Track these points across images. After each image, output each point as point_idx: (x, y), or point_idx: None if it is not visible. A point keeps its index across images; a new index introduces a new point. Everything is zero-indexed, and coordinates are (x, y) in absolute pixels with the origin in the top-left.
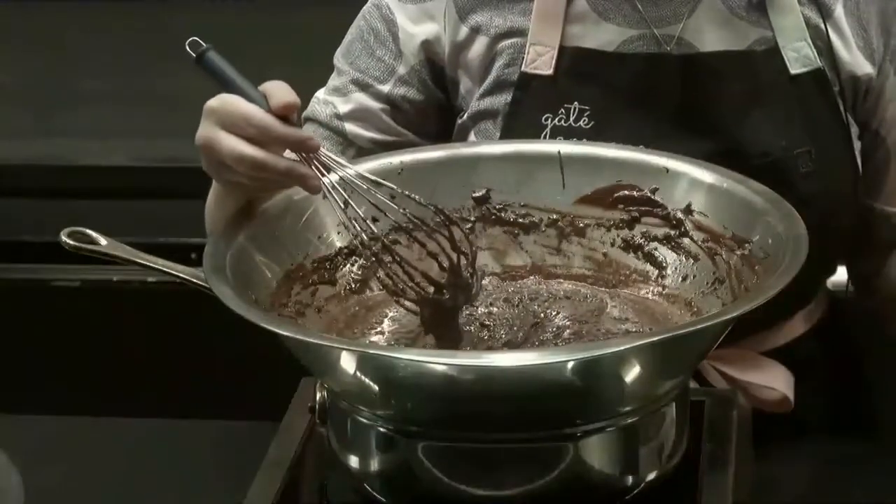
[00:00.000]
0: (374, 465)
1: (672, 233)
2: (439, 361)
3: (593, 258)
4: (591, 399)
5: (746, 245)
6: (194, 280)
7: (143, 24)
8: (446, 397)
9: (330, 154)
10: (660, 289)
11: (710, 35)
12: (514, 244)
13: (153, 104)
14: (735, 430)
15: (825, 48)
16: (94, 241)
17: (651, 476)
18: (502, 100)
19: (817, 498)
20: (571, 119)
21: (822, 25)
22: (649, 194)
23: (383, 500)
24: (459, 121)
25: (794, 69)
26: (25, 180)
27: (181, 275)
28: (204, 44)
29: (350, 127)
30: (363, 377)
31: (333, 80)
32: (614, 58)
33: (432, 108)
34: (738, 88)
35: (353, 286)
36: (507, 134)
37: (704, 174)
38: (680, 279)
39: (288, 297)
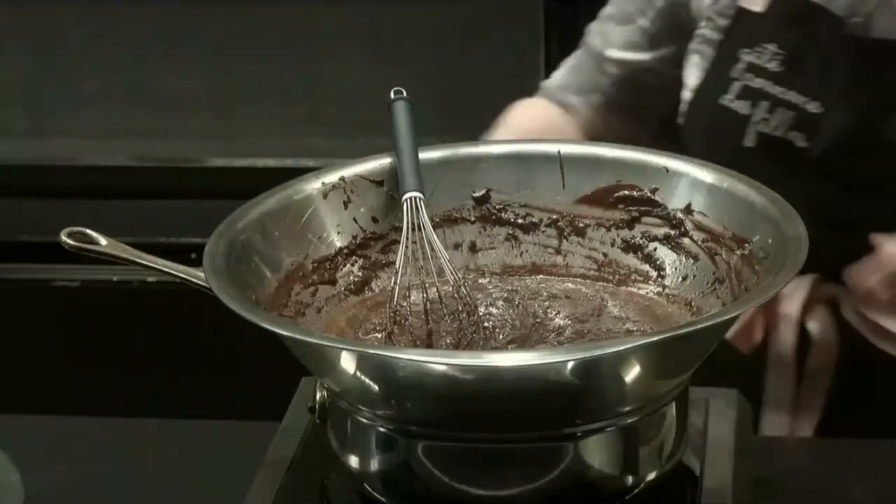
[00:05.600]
0: (374, 465)
1: (672, 233)
2: (439, 361)
3: (593, 258)
4: (592, 399)
5: (746, 245)
6: (194, 280)
7: (143, 24)
8: (446, 397)
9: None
10: (660, 289)
11: None
12: (514, 244)
13: (153, 104)
14: (735, 430)
15: None
16: (94, 241)
17: (651, 476)
18: (721, 27)
19: (817, 498)
20: (764, 59)
21: None
22: (649, 194)
23: (383, 500)
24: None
25: None
26: (25, 180)
27: (181, 275)
28: (404, 95)
29: None
30: (363, 377)
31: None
32: (818, 11)
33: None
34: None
35: (353, 286)
36: (714, 60)
37: (704, 174)
38: (680, 279)
39: (288, 297)
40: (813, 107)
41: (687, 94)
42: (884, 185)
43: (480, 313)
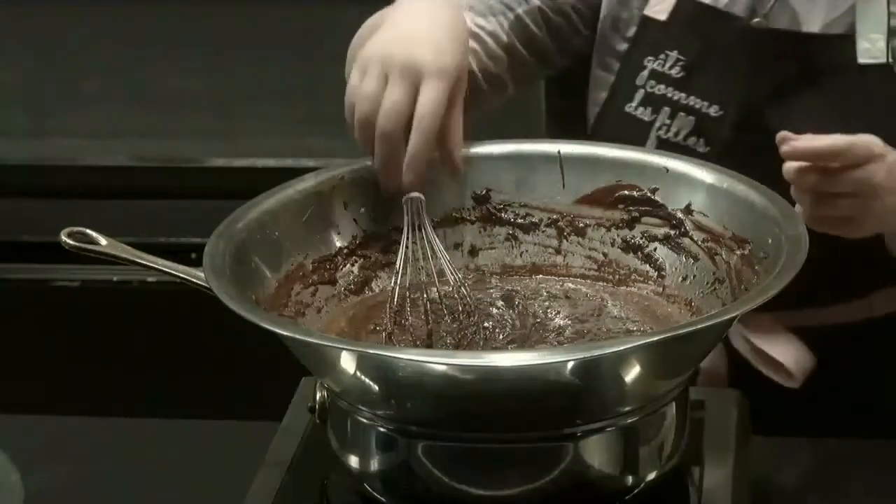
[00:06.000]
0: (374, 465)
1: (672, 233)
2: (439, 361)
3: (593, 258)
4: (592, 399)
5: (746, 245)
6: (194, 280)
7: (143, 24)
8: (446, 397)
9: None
10: (660, 289)
11: (808, 1)
12: (514, 244)
13: (153, 104)
14: (735, 430)
15: None
16: (94, 241)
17: (651, 476)
18: (627, 37)
19: (817, 498)
20: (667, 65)
21: None
22: (649, 194)
23: (383, 500)
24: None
25: (863, 59)
26: (25, 180)
27: (181, 275)
28: None
29: None
30: (363, 377)
31: None
32: (718, 14)
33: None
34: (803, 69)
35: (353, 286)
36: (621, 70)
37: (704, 174)
38: (680, 279)
39: (288, 297)
40: (712, 111)
41: (595, 110)
42: (781, 184)
43: (481, 313)
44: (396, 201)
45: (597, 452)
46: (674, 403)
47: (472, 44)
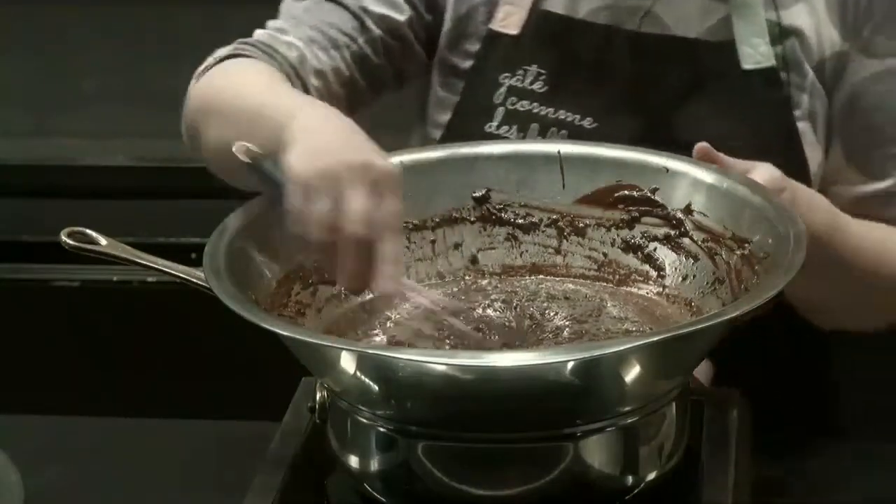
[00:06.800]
0: (374, 465)
1: (672, 233)
2: (439, 361)
3: (593, 258)
4: (591, 399)
5: (746, 245)
6: (194, 280)
7: (143, 24)
8: (446, 397)
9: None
10: (660, 289)
11: (679, 13)
12: (514, 244)
13: (153, 104)
14: (735, 430)
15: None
16: (94, 241)
17: (651, 476)
18: (470, 53)
19: (818, 498)
20: (527, 81)
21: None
22: (649, 194)
23: (383, 500)
24: (435, 70)
25: (747, 65)
26: (25, 180)
27: (181, 275)
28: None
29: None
30: (363, 377)
31: None
32: (580, 25)
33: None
34: (684, 75)
35: None
36: (467, 89)
37: (704, 174)
38: (680, 279)
39: (288, 297)
40: (586, 122)
41: (436, 132)
42: None
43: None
44: None
45: (597, 452)
46: (674, 403)
47: (316, 82)
